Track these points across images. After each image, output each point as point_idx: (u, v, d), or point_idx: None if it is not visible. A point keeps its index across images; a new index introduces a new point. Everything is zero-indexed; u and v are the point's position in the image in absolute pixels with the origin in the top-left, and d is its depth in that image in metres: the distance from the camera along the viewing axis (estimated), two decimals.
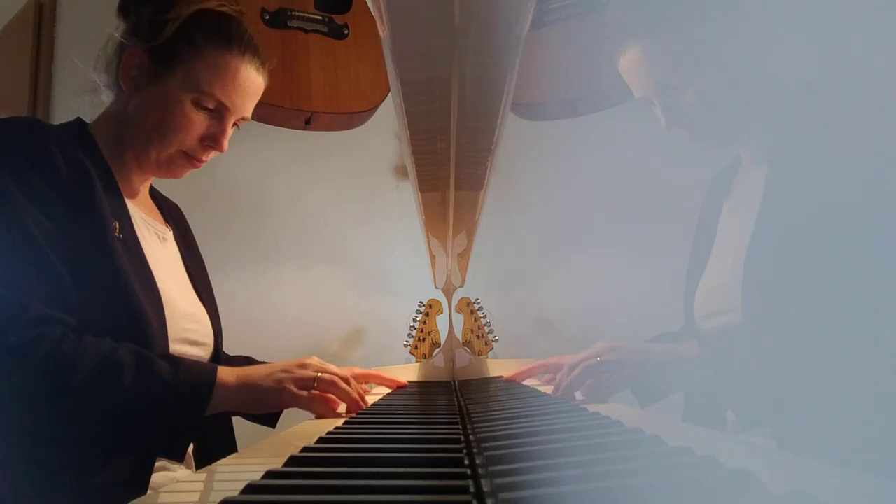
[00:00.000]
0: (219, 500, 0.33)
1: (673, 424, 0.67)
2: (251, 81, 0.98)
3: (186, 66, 0.94)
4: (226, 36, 0.96)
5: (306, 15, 1.57)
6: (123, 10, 0.99)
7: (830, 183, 0.82)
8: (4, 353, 0.74)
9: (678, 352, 0.93)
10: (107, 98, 1.00)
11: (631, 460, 0.40)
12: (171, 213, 1.11)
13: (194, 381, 0.81)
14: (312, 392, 0.88)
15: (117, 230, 0.87)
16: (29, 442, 0.78)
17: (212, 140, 0.97)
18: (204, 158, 0.99)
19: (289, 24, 1.54)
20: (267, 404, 0.88)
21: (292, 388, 0.87)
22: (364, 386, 1.09)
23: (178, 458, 0.86)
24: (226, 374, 0.84)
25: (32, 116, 0.91)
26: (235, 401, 0.85)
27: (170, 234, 1.05)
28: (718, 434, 0.59)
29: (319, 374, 0.89)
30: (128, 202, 0.95)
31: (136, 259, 0.89)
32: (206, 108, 0.95)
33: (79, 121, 0.98)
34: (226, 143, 0.98)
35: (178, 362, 0.82)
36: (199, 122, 0.95)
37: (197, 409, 0.81)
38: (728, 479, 0.33)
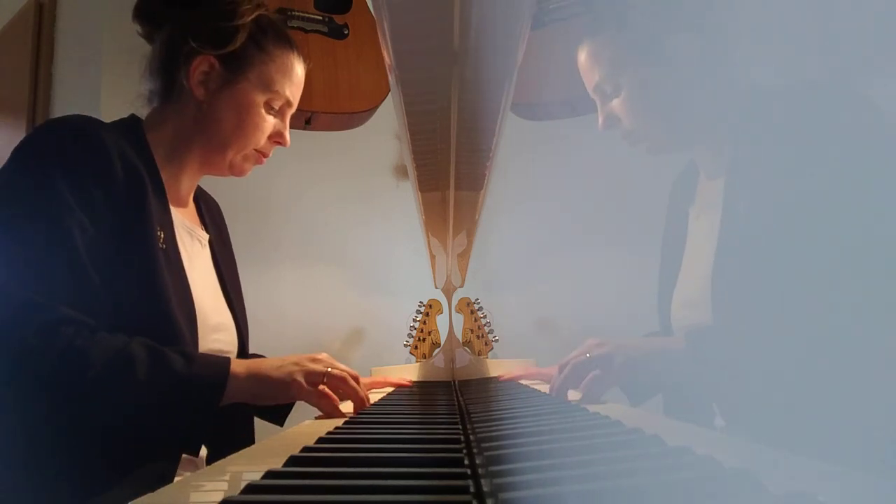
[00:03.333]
0: (219, 500, 0.33)
1: (672, 424, 0.67)
2: (303, 77, 1.06)
3: (259, 68, 0.98)
4: (285, 37, 1.02)
5: (306, 15, 1.57)
6: (155, 16, 0.99)
7: (786, 191, 0.83)
8: (22, 353, 0.74)
9: (666, 345, 0.93)
10: (156, 103, 1.01)
11: (631, 460, 0.40)
12: (211, 211, 1.12)
13: (207, 373, 0.82)
14: (321, 388, 0.88)
15: (161, 240, 0.88)
16: (46, 440, 0.78)
17: (278, 136, 1.04)
18: (270, 153, 1.06)
19: (289, 24, 1.54)
20: (276, 396, 0.88)
21: (302, 381, 0.87)
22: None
23: (194, 451, 0.86)
24: (237, 365, 0.85)
25: (94, 118, 0.91)
26: (246, 392, 0.85)
27: (207, 238, 1.06)
28: (717, 434, 0.60)
29: (330, 370, 0.89)
30: (172, 209, 0.95)
31: (176, 271, 0.90)
32: (273, 108, 1.01)
33: (133, 118, 0.98)
34: (289, 138, 1.05)
35: (190, 356, 0.82)
36: (270, 120, 1.01)
37: (210, 401, 0.81)
38: (728, 479, 0.33)
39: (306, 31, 1.56)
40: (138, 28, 1.01)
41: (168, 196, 0.95)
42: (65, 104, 1.98)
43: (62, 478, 0.77)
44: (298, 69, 1.04)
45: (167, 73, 0.98)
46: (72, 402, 0.76)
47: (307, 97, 1.52)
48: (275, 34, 1.01)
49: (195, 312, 0.90)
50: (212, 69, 0.96)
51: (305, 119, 1.54)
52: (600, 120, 1.03)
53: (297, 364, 0.89)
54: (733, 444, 0.55)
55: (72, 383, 0.75)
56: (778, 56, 0.94)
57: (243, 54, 0.97)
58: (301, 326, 1.87)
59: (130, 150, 0.88)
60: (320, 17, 1.58)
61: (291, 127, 1.56)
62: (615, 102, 1.00)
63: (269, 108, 1.00)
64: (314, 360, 0.91)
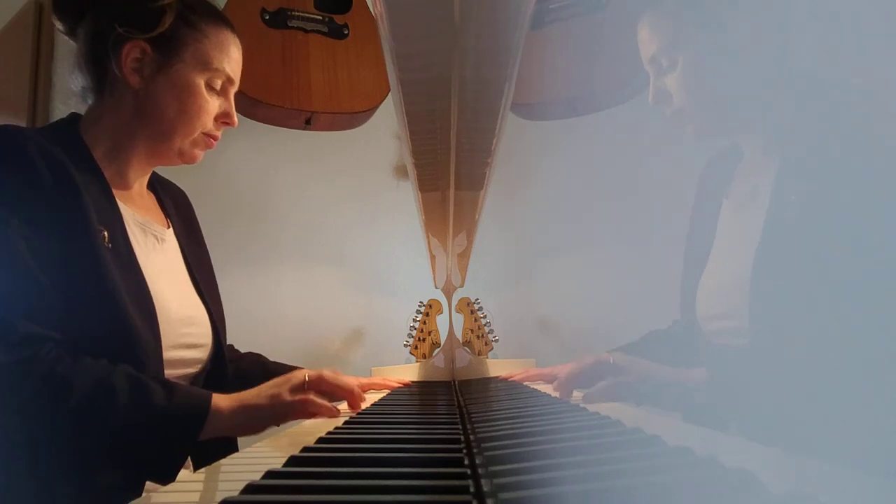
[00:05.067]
0: (219, 500, 0.33)
1: (672, 424, 0.67)
2: (241, 53, 1.02)
3: (193, 47, 0.95)
4: (216, 13, 1.00)
5: (306, 15, 1.57)
6: (76, 7, 0.96)
7: (845, 184, 0.80)
8: None
9: (684, 378, 0.91)
10: (91, 100, 0.98)
11: (631, 460, 0.40)
12: (176, 201, 1.09)
13: (188, 407, 0.80)
14: (307, 395, 0.87)
15: (106, 239, 0.86)
16: (25, 452, 0.77)
17: (225, 116, 1.00)
18: (219, 136, 1.02)
19: (289, 24, 1.54)
20: (263, 422, 0.86)
21: (287, 396, 0.86)
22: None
23: (167, 481, 0.85)
24: (221, 400, 0.83)
25: (13, 125, 0.89)
26: (230, 424, 0.83)
27: (169, 232, 1.03)
28: (718, 434, 0.59)
29: (307, 376, 0.88)
30: (121, 205, 0.93)
31: (128, 268, 0.87)
32: (214, 88, 0.98)
33: (72, 117, 0.96)
34: (236, 118, 1.02)
35: (172, 388, 0.81)
36: (213, 101, 0.98)
37: (189, 435, 0.80)
38: (728, 479, 0.33)
39: (306, 31, 1.56)
40: (59, 25, 0.98)
41: (116, 192, 0.93)
42: (65, 104, 1.98)
43: (65, 469, 0.77)
44: (235, 45, 1.00)
45: (97, 66, 0.95)
46: (51, 426, 0.75)
47: (307, 97, 1.52)
48: (205, 11, 0.98)
49: (154, 308, 0.88)
50: (144, 54, 0.93)
51: (305, 119, 1.54)
52: (651, 94, 1.02)
53: (275, 385, 0.87)
54: (733, 444, 0.55)
55: (51, 411, 0.74)
56: (847, 49, 0.92)
57: (174, 35, 0.94)
58: (301, 326, 1.86)
59: (60, 151, 0.85)
60: (320, 17, 1.58)
61: (292, 127, 1.57)
62: (669, 77, 0.98)
63: (210, 87, 0.97)
64: (292, 376, 0.89)
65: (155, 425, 0.77)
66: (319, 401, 0.87)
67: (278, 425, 0.95)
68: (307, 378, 0.88)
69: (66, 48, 2.05)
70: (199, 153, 1.01)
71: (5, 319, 0.75)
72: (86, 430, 0.76)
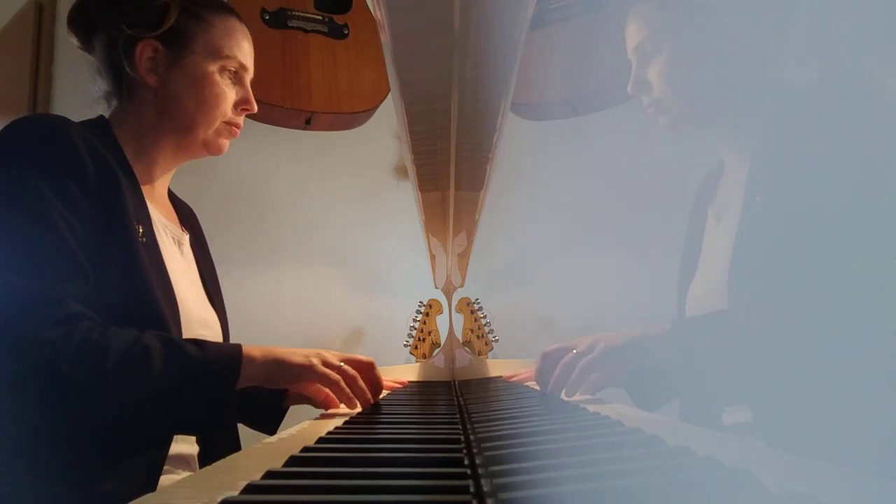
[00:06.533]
0: (219, 500, 0.33)
1: (672, 424, 0.67)
2: (250, 40, 1.04)
3: (202, 38, 0.97)
4: (219, 3, 1.02)
5: (306, 15, 1.57)
6: (89, 19, 0.98)
7: (811, 183, 0.82)
8: (36, 347, 0.74)
9: (649, 330, 0.92)
10: (114, 103, 1.00)
11: (631, 460, 0.40)
12: (187, 216, 1.11)
13: (222, 357, 0.82)
14: (336, 376, 0.88)
15: (140, 234, 0.88)
16: (47, 439, 0.78)
17: (244, 103, 1.02)
18: (241, 124, 1.04)
19: (289, 24, 1.54)
20: (292, 377, 0.88)
21: (319, 364, 0.87)
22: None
23: (213, 431, 0.87)
24: (251, 348, 0.85)
25: (60, 115, 0.91)
26: (261, 375, 0.85)
27: (186, 238, 1.05)
28: (718, 434, 0.59)
29: (342, 365, 0.89)
30: (149, 205, 0.95)
31: (156, 264, 0.90)
32: (229, 75, 1.00)
33: (102, 118, 0.98)
34: (255, 103, 1.04)
35: (202, 343, 0.83)
36: (229, 88, 1.00)
37: (227, 383, 0.81)
38: (728, 479, 0.33)
39: (306, 31, 1.56)
40: (75, 40, 1.01)
41: (144, 192, 0.95)
42: (65, 104, 1.98)
43: (67, 469, 0.78)
44: (243, 32, 1.02)
45: (115, 71, 0.98)
46: (88, 395, 0.76)
47: (307, 97, 1.52)
48: (208, 2, 1.00)
49: (177, 304, 0.90)
50: (156, 52, 0.96)
51: (305, 119, 1.54)
52: (631, 83, 1.03)
53: (312, 352, 0.90)
54: (733, 444, 0.55)
55: (89, 376, 0.75)
56: (826, 55, 0.94)
57: (182, 28, 0.97)
58: (301, 326, 1.86)
59: (100, 145, 0.88)
60: (320, 17, 1.58)
61: (292, 127, 1.57)
62: (652, 67, 1.00)
63: (224, 75, 0.99)
64: (327, 352, 0.91)
65: (192, 378, 0.79)
66: (344, 389, 0.88)
67: (301, 392, 0.96)
68: (341, 366, 0.89)
69: (66, 48, 2.05)
70: (225, 142, 1.03)
71: (56, 299, 0.76)
72: (124, 392, 0.77)
